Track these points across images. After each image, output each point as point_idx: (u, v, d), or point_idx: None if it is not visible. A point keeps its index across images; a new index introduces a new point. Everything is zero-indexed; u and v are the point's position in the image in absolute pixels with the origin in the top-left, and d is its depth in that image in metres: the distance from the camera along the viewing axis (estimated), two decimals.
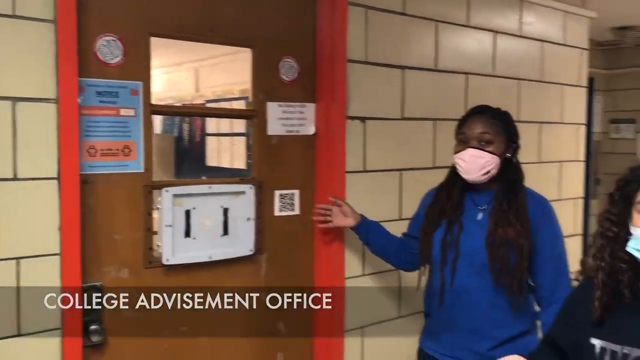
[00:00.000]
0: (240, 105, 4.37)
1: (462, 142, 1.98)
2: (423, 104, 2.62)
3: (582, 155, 3.53)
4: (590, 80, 3.64)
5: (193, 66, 5.14)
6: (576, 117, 3.46)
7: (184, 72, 5.12)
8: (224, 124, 4.84)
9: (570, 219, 3.41)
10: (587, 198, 3.92)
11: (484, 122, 1.97)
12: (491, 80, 2.90)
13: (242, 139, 4.63)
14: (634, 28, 5.08)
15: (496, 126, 1.98)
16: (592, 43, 3.54)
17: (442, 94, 2.70)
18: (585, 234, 3.96)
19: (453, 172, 2.10)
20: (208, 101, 4.87)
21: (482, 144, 1.95)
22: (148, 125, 2.00)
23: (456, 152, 2.00)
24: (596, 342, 1.27)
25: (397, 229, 2.54)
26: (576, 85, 3.42)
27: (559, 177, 3.37)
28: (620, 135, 5.96)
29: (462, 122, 2.02)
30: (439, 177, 2.67)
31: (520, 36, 3.03)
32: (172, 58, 4.68)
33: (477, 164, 1.94)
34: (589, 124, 3.68)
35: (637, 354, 1.21)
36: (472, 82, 2.81)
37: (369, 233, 2.23)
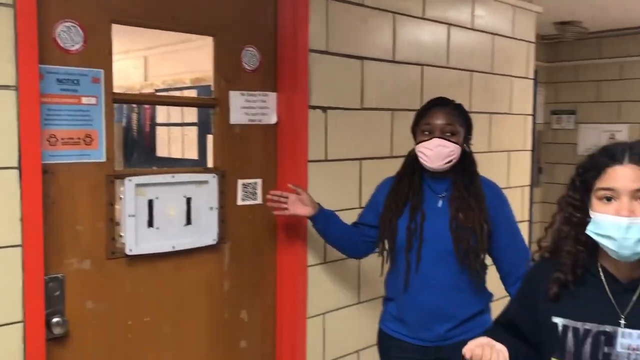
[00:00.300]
0: (192, 94, 4.32)
1: (427, 133, 2.06)
2: (381, 94, 2.67)
3: (529, 145, 3.68)
4: (534, 73, 3.78)
5: (142, 54, 5.03)
6: (524, 108, 3.60)
7: (132, 60, 5.01)
8: (174, 114, 4.77)
9: (518, 206, 3.55)
10: (531, 186, 4.07)
11: (448, 114, 2.07)
12: (445, 71, 2.98)
13: (194, 128, 4.59)
14: (574, 23, 5.30)
15: (457, 118, 2.09)
16: (535, 37, 3.67)
17: (399, 85, 2.75)
18: (530, 221, 4.13)
19: (411, 161, 2.17)
20: (157, 90, 4.79)
21: (446, 135, 2.04)
22: (110, 114, 1.96)
23: (420, 141, 2.07)
24: (558, 321, 1.35)
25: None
26: (524, 77, 3.55)
27: (507, 165, 3.50)
28: (561, 126, 6.22)
29: (424, 114, 2.10)
30: (397, 165, 2.74)
31: (473, 29, 3.12)
32: (119, 46, 4.57)
33: (442, 153, 2.03)
34: (533, 115, 3.82)
35: (598, 329, 1.29)
36: (428, 73, 2.88)
37: (327, 223, 2.22)
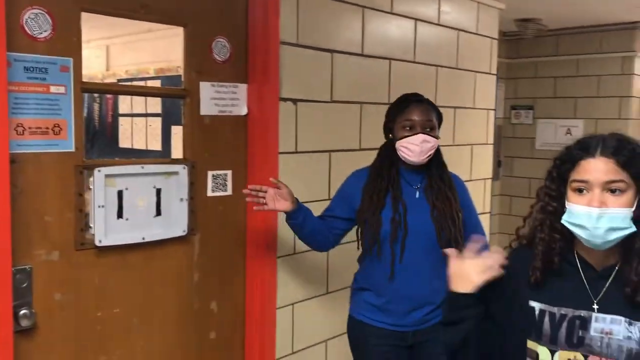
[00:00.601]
0: (155, 84, 4.27)
1: (408, 128, 2.12)
2: (351, 87, 2.70)
3: (491, 139, 3.77)
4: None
5: (104, 43, 4.94)
6: (486, 103, 3.68)
7: (94, 49, 4.92)
8: (137, 105, 4.71)
9: (480, 198, 3.64)
10: (492, 179, 4.18)
11: (427, 110, 2.15)
12: (412, 66, 3.03)
13: (158, 119, 4.54)
14: (534, 20, 5.43)
15: (433, 113, 2.17)
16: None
17: (368, 79, 2.79)
18: (490, 213, 4.23)
19: (386, 154, 2.21)
20: (120, 80, 4.72)
21: (426, 130, 2.12)
22: (79, 103, 1.94)
23: (403, 137, 2.12)
24: (535, 305, 1.40)
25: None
26: (487, 73, 3.63)
27: (470, 158, 3.58)
28: (519, 121, 6.38)
29: (404, 110, 2.15)
30: (365, 158, 2.77)
31: (439, 24, 3.18)
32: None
33: (426, 148, 2.11)
34: (494, 110, 3.92)
35: (573, 314, 1.35)
36: (395, 68, 2.92)
37: (304, 218, 2.17)
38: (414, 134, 2.11)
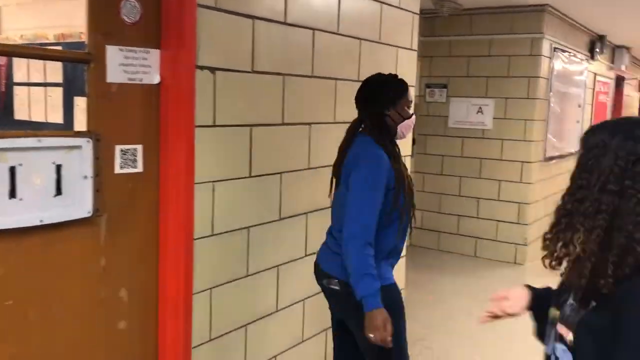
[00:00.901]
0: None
1: (409, 108, 2.28)
2: (273, 57, 2.53)
3: None
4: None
5: None
6: (407, 80, 3.59)
7: None
8: (35, 73, 4.32)
9: None
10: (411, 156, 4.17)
11: None
12: (336, 38, 2.90)
13: (59, 89, 4.18)
14: None
15: None
16: None
17: (290, 49, 2.63)
18: None
19: (386, 132, 2.23)
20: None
21: None
22: None
23: (410, 116, 2.28)
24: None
25: (248, 187, 2.47)
26: (408, 49, 3.56)
27: None
28: (434, 99, 6.45)
29: (406, 91, 2.29)
30: (288, 133, 2.64)
31: None
32: None
33: None
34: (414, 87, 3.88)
35: (567, 300, 1.34)
36: (319, 39, 2.79)
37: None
38: (413, 114, 2.28)
